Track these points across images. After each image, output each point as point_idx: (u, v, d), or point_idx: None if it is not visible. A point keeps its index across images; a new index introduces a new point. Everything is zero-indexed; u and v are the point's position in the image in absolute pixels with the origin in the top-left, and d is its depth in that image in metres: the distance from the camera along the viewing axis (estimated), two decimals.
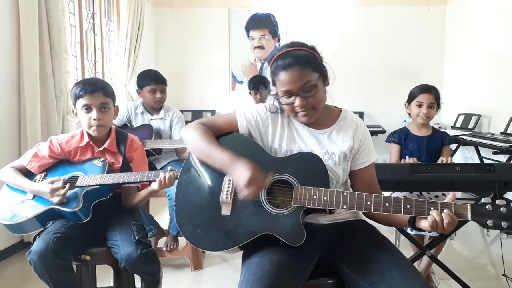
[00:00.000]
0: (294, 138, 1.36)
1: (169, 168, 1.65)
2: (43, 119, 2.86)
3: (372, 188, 1.38)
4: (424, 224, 1.16)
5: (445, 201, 1.15)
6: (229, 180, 1.28)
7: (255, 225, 1.22)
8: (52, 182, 1.60)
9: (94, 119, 1.66)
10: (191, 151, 1.36)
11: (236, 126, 1.38)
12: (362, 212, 1.36)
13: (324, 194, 1.20)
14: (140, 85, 2.74)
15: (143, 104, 2.79)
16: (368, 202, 1.18)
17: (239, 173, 1.19)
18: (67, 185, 1.60)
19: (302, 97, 1.26)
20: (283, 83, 1.26)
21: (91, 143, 1.75)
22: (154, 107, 2.76)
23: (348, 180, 1.44)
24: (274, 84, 1.33)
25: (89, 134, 1.74)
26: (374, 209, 1.17)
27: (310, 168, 1.26)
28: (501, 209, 1.09)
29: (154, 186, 1.64)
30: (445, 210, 1.11)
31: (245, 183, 1.17)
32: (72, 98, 1.71)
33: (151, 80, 2.69)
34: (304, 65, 1.26)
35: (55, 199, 1.58)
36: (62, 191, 1.57)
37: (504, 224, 1.08)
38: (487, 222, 1.09)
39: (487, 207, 1.10)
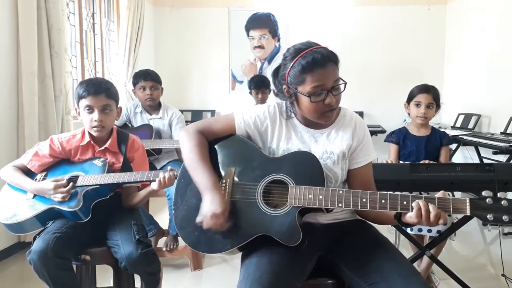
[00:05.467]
0: (292, 138, 1.36)
1: (168, 168, 1.65)
2: (42, 119, 2.85)
3: (369, 187, 1.36)
4: (409, 215, 1.13)
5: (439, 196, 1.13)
6: (224, 182, 1.28)
7: (252, 226, 1.22)
8: (56, 181, 1.61)
9: (95, 120, 1.67)
10: (183, 159, 1.36)
11: (234, 128, 1.37)
12: (355, 210, 1.35)
13: (319, 193, 1.20)
14: (133, 84, 2.77)
15: (142, 103, 2.79)
16: (364, 200, 1.17)
17: (210, 203, 1.20)
18: (71, 184, 1.61)
19: (333, 94, 1.25)
20: (318, 79, 1.22)
21: (92, 142, 1.75)
22: (151, 106, 2.76)
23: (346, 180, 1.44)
24: (297, 83, 1.26)
25: (90, 134, 1.74)
26: (370, 207, 1.16)
27: (305, 167, 1.26)
28: (502, 202, 1.06)
29: (154, 186, 1.64)
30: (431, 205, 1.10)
31: (209, 214, 1.18)
32: (75, 97, 1.72)
33: (140, 77, 2.71)
34: (336, 63, 1.27)
35: (58, 196, 1.58)
36: (65, 189, 1.58)
37: (505, 218, 1.04)
38: (487, 216, 1.05)
39: (487, 200, 1.07)
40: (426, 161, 2.11)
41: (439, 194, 1.14)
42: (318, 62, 1.21)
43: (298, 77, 1.25)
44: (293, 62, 1.25)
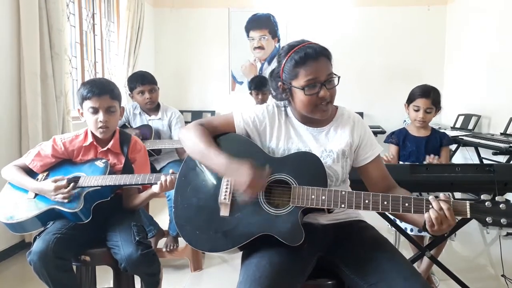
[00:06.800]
0: (291, 138, 1.36)
1: (170, 171, 1.64)
2: (44, 119, 2.86)
3: (386, 180, 1.39)
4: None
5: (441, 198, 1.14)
6: (227, 181, 1.28)
7: (254, 225, 1.22)
8: (56, 181, 1.60)
9: (100, 121, 1.67)
10: (188, 152, 1.36)
11: (233, 126, 1.38)
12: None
13: (322, 194, 1.20)
14: (130, 88, 2.75)
15: (141, 106, 2.79)
16: (366, 201, 1.17)
17: (237, 176, 1.19)
18: (71, 184, 1.60)
19: (326, 88, 1.27)
20: (311, 72, 1.24)
21: (94, 143, 1.75)
22: (149, 108, 2.76)
23: (348, 178, 1.44)
24: (291, 78, 1.28)
25: (93, 134, 1.75)
26: (372, 208, 1.17)
27: (308, 167, 1.26)
28: (501, 206, 1.08)
29: (155, 189, 1.64)
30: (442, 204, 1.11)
31: (245, 187, 1.17)
32: (79, 98, 1.71)
33: (137, 82, 2.69)
34: (329, 57, 1.29)
35: (59, 197, 1.58)
36: (66, 190, 1.58)
37: (503, 221, 1.07)
38: (486, 219, 1.08)
39: (486, 204, 1.09)
40: (431, 159, 2.11)
41: (441, 196, 1.14)
42: (310, 55, 1.25)
43: (292, 71, 1.27)
44: (287, 57, 1.28)
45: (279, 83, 1.33)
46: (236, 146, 1.36)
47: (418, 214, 1.16)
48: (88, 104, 1.67)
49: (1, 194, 1.75)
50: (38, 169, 1.73)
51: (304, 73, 1.25)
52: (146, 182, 1.63)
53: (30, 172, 1.73)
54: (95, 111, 1.68)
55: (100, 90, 1.66)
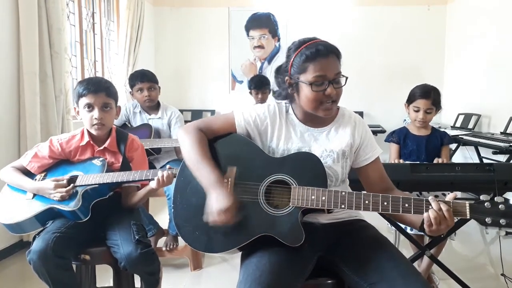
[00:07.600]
0: (291, 138, 1.36)
1: (167, 166, 1.65)
2: (43, 119, 2.85)
3: (384, 182, 1.39)
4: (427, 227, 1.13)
5: (445, 199, 1.14)
6: (225, 181, 1.27)
7: (254, 226, 1.22)
8: (57, 181, 1.61)
9: (95, 118, 1.67)
10: (183, 156, 1.35)
11: (234, 126, 1.37)
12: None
13: (322, 194, 1.20)
14: (130, 86, 2.77)
15: (140, 104, 2.79)
16: (366, 202, 1.17)
17: (215, 199, 1.19)
18: (71, 185, 1.61)
19: (333, 86, 1.27)
20: (320, 68, 1.25)
21: (91, 142, 1.75)
22: (150, 106, 2.76)
23: (347, 178, 1.44)
24: (299, 72, 1.28)
25: (89, 134, 1.74)
26: (372, 209, 1.17)
27: (308, 168, 1.26)
28: (500, 206, 1.09)
29: (153, 184, 1.64)
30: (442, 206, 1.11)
31: (215, 211, 1.17)
32: (75, 96, 1.71)
33: (137, 79, 2.70)
34: (339, 57, 1.30)
35: (57, 196, 1.58)
36: (65, 189, 1.58)
37: (502, 221, 1.08)
38: (486, 220, 1.09)
39: (485, 204, 1.09)
40: (440, 160, 2.11)
41: (451, 196, 1.14)
42: (321, 52, 1.25)
43: (301, 65, 1.27)
44: (297, 52, 1.28)
45: (286, 78, 1.33)
46: (236, 148, 1.35)
47: (416, 215, 1.16)
48: (84, 101, 1.67)
49: (0, 196, 1.75)
50: (36, 170, 1.73)
51: (313, 69, 1.25)
52: (143, 179, 1.64)
53: (27, 174, 1.73)
54: (91, 108, 1.67)
55: (96, 87, 1.66)
